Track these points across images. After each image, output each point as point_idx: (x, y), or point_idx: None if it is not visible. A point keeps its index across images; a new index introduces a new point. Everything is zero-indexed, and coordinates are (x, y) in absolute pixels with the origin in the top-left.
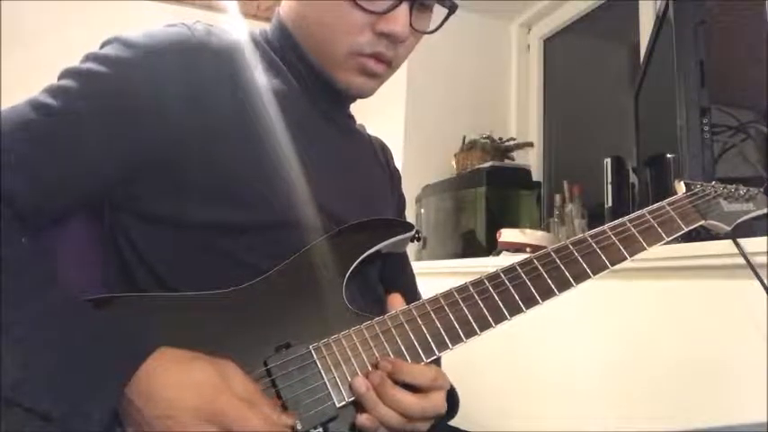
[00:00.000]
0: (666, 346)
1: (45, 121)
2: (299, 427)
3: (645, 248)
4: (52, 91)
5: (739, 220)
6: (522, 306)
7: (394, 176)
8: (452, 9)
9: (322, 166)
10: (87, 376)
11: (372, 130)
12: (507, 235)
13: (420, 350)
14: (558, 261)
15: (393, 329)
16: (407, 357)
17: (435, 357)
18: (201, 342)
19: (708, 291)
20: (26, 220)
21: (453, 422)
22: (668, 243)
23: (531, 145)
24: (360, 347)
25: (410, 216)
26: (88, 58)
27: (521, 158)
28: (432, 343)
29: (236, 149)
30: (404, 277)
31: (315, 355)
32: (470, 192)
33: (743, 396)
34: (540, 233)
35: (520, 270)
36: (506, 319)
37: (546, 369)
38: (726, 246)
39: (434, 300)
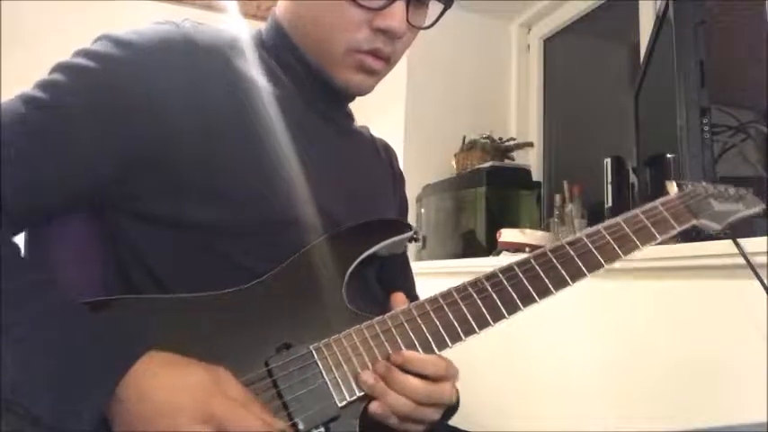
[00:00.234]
0: (666, 346)
1: (35, 114)
2: (300, 426)
3: (639, 248)
4: (42, 85)
5: (730, 219)
6: (519, 304)
7: (397, 178)
8: (448, 4)
9: (320, 166)
10: (78, 378)
11: (372, 129)
12: (507, 235)
13: (420, 349)
14: (555, 260)
15: (393, 329)
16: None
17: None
18: (201, 343)
19: (708, 291)
20: (15, 219)
21: (452, 422)
22: (661, 243)
23: (531, 145)
24: (360, 347)
25: (410, 216)
26: (78, 53)
27: (521, 158)
28: (432, 342)
29: (231, 148)
30: (403, 280)
31: (316, 356)
32: (470, 192)
33: (743, 396)
34: (540, 233)
35: (517, 269)
36: (504, 317)
37: (545, 369)
38: (726, 246)
39: (434, 299)
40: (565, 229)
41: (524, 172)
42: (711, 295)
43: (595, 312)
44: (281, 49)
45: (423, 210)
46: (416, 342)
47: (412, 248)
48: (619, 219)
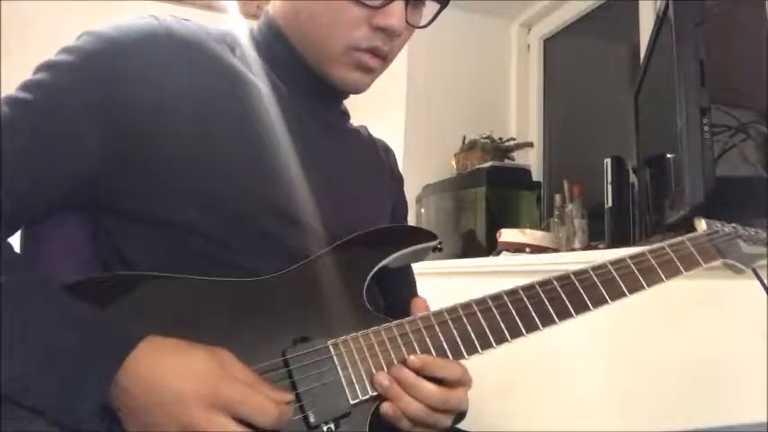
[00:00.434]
0: (667, 345)
1: (20, 116)
2: (311, 419)
3: (663, 280)
4: (26, 86)
5: (757, 263)
6: (538, 324)
7: (396, 180)
8: (445, 3)
9: (314, 163)
10: (76, 367)
11: (372, 129)
12: (507, 235)
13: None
14: (578, 284)
15: (410, 334)
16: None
17: None
18: (215, 327)
19: (708, 291)
20: (7, 220)
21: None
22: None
23: (531, 145)
24: (377, 348)
25: (410, 216)
26: (61, 51)
27: (521, 158)
28: (448, 351)
29: (222, 144)
30: (405, 282)
31: (332, 351)
32: (470, 192)
33: (743, 396)
34: (540, 233)
35: (539, 289)
36: (523, 335)
37: (546, 369)
38: None
39: (453, 309)
40: (565, 229)
41: (524, 172)
42: (711, 295)
43: (596, 313)
44: (274, 46)
45: (423, 210)
46: (432, 350)
47: None
48: (645, 249)
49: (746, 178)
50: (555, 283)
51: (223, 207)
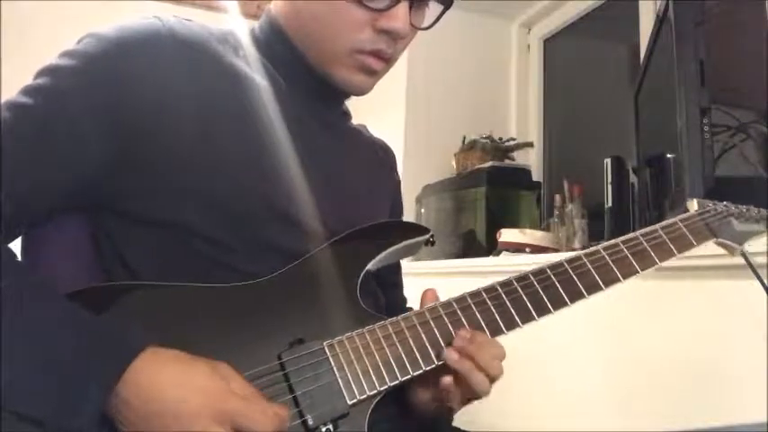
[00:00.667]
0: (667, 345)
1: (21, 121)
2: (310, 422)
3: (657, 263)
4: (27, 91)
5: (750, 240)
6: (534, 314)
7: (394, 179)
8: (448, 5)
9: (315, 163)
10: (76, 376)
11: (372, 129)
12: (507, 235)
13: (432, 353)
14: (571, 272)
15: (406, 330)
16: (419, 358)
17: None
18: (211, 334)
19: (708, 291)
20: (8, 224)
21: (453, 422)
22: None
23: (531, 145)
24: (372, 346)
25: (410, 216)
26: (63, 55)
27: (521, 158)
28: (444, 346)
29: (224, 145)
30: (394, 280)
31: (328, 352)
32: (470, 192)
33: (743, 396)
34: (540, 233)
35: (533, 278)
36: (518, 326)
37: (545, 369)
38: None
39: (448, 303)
40: (565, 229)
41: (524, 172)
42: (711, 295)
43: (594, 312)
44: (276, 47)
45: (422, 210)
46: (428, 345)
47: None
48: (637, 233)
49: (746, 178)
50: (549, 271)
51: (223, 207)
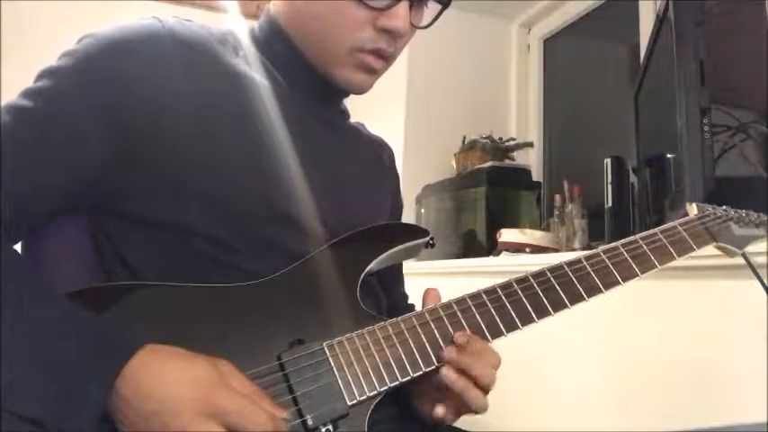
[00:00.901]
0: (667, 345)
1: (22, 124)
2: (309, 422)
3: (656, 266)
4: (27, 94)
5: (749, 245)
6: (533, 316)
7: (393, 177)
8: (446, 4)
9: (315, 163)
10: (75, 374)
11: (372, 130)
12: (507, 235)
13: (432, 354)
14: (571, 274)
15: (406, 332)
16: (419, 360)
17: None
18: (211, 334)
19: (708, 291)
20: (10, 226)
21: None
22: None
23: (531, 145)
24: (372, 347)
25: (410, 216)
26: (62, 56)
27: (521, 158)
28: (444, 347)
29: (225, 145)
30: (395, 280)
31: (328, 353)
32: (470, 192)
33: (743, 396)
34: (539, 233)
35: (532, 281)
36: (518, 328)
37: (545, 369)
38: None
39: (448, 305)
40: (565, 229)
41: (524, 172)
42: (711, 295)
43: (594, 312)
44: (276, 46)
45: (422, 210)
46: (428, 346)
47: None
48: (637, 236)
49: (746, 178)
50: (549, 273)
51: (223, 207)
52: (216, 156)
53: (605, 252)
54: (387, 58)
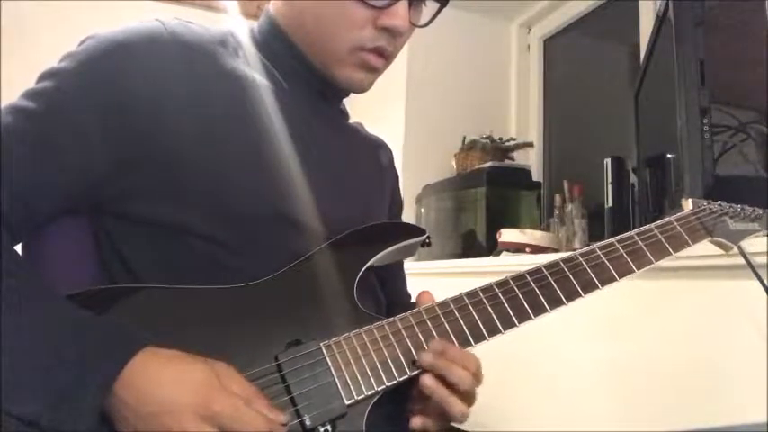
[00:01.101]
0: (666, 346)
1: (24, 125)
2: (308, 423)
3: (652, 262)
4: (30, 95)
5: (745, 239)
6: (530, 313)
7: (392, 177)
8: (444, 3)
9: (315, 162)
10: (74, 375)
11: (372, 129)
12: (507, 235)
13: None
14: (567, 271)
15: (403, 331)
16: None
17: None
18: (208, 335)
19: (708, 291)
20: (12, 227)
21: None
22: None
23: (531, 145)
24: (369, 347)
25: (410, 216)
26: (64, 57)
27: (521, 158)
28: None
29: (226, 145)
30: (397, 279)
31: (325, 353)
32: (470, 192)
33: (743, 396)
34: (539, 233)
35: (529, 278)
36: (515, 325)
37: (545, 369)
38: None
39: (445, 303)
40: (565, 229)
41: (524, 172)
42: (711, 295)
43: (594, 312)
44: (276, 46)
45: (422, 210)
46: (425, 345)
47: None
48: (633, 232)
49: (746, 178)
50: (545, 270)
51: (224, 208)
52: (216, 156)
53: (601, 248)
54: (387, 57)
